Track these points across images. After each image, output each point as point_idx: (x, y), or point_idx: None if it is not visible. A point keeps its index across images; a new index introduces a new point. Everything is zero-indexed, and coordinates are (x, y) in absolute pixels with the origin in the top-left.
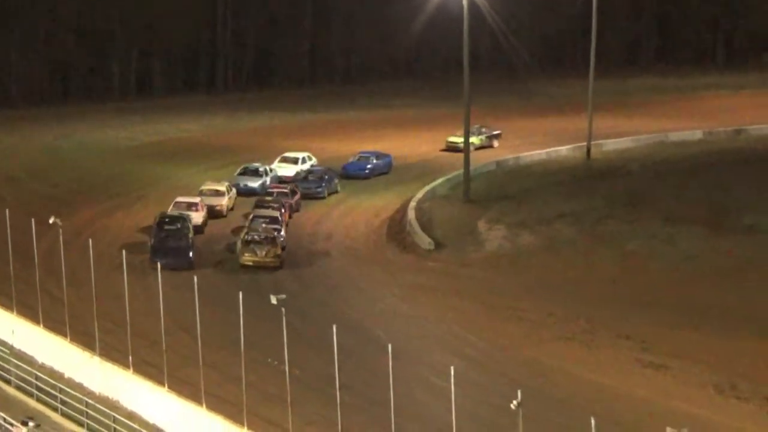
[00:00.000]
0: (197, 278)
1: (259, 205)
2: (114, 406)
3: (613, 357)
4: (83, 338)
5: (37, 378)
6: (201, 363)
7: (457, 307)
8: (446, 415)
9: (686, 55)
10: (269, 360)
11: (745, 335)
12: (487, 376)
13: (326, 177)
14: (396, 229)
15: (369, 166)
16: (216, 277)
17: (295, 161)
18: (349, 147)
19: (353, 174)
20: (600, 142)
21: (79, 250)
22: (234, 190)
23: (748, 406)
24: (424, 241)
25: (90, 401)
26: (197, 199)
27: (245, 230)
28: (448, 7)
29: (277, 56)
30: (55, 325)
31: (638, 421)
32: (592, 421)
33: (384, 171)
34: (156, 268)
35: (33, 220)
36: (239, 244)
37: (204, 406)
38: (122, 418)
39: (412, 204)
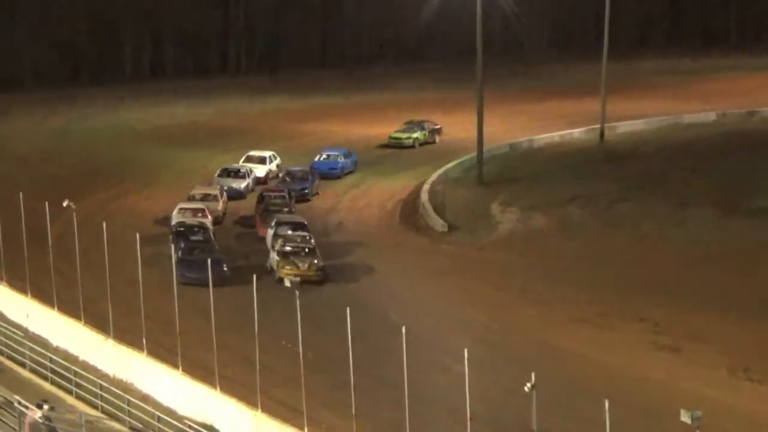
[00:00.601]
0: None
1: (269, 210)
2: (128, 388)
3: (627, 339)
4: (97, 321)
5: (51, 361)
6: (215, 346)
7: (471, 289)
8: (459, 397)
9: (698, 37)
10: (282, 342)
11: (759, 318)
12: (500, 359)
13: (309, 178)
14: (409, 211)
15: (339, 164)
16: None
17: (262, 160)
18: (358, 130)
19: (325, 173)
20: (613, 124)
21: (93, 233)
22: (225, 194)
23: (762, 388)
24: (438, 224)
25: (104, 384)
26: (201, 205)
27: (279, 240)
28: None
29: (288, 39)
30: (69, 308)
31: (651, 403)
32: (606, 404)
33: (351, 170)
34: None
35: (47, 203)
36: (274, 256)
37: (218, 388)
38: (136, 401)
39: (425, 187)
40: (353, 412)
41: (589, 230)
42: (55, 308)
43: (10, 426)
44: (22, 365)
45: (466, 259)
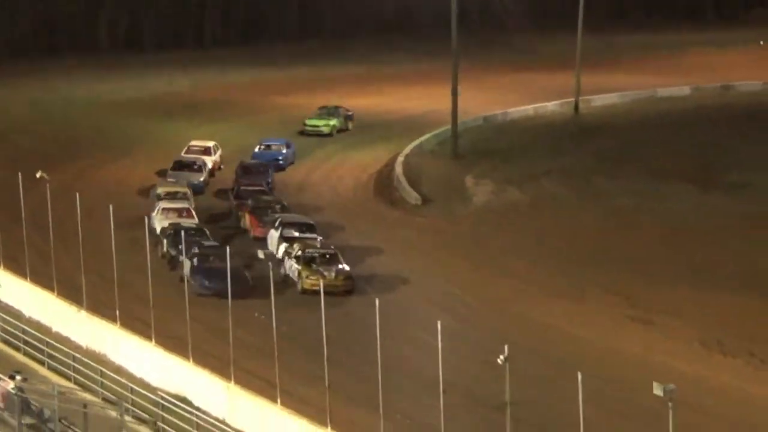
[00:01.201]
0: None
1: (259, 207)
2: (101, 360)
3: (600, 313)
4: (71, 293)
5: (24, 332)
6: (188, 317)
7: (446, 262)
8: (433, 370)
9: (675, 11)
10: (256, 314)
11: (732, 291)
12: (474, 332)
13: (268, 171)
14: (383, 184)
15: (282, 155)
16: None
17: (207, 151)
18: (337, 103)
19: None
20: (588, 97)
21: (67, 204)
22: (190, 191)
23: (734, 361)
24: (412, 197)
25: (77, 355)
26: (185, 204)
27: (296, 245)
28: None
29: (266, 10)
30: (42, 280)
31: (624, 376)
32: (579, 376)
33: (292, 161)
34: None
35: (20, 174)
36: (293, 264)
37: (191, 360)
38: (109, 372)
39: (400, 159)
40: (326, 384)
41: (563, 204)
42: (28, 279)
43: None
44: None
45: (441, 233)
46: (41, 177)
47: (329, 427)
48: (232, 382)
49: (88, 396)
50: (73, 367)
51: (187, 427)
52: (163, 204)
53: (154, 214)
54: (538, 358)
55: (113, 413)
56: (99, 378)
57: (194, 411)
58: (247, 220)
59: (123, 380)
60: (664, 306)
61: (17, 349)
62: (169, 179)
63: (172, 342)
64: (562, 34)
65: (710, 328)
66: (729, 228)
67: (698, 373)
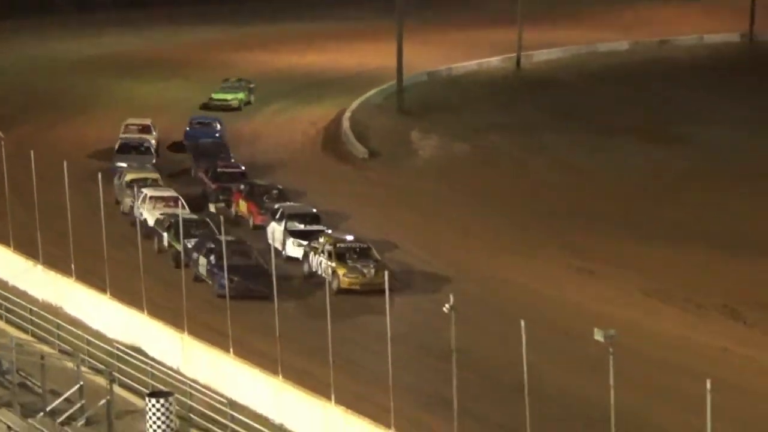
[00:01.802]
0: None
1: (254, 193)
2: (57, 312)
3: (548, 264)
4: (27, 249)
5: None
6: (142, 271)
7: (396, 216)
8: (382, 320)
9: None
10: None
11: (674, 243)
12: (423, 284)
13: (228, 150)
14: (332, 139)
15: (218, 131)
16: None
17: (146, 129)
18: (286, 60)
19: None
20: (530, 53)
21: (22, 163)
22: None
23: (672, 308)
24: (359, 151)
25: (34, 308)
26: (171, 192)
27: (323, 240)
28: None
29: None
30: None
31: (568, 323)
32: (522, 324)
33: (223, 135)
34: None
35: None
36: (322, 261)
37: (145, 312)
38: (65, 325)
39: (347, 114)
40: (277, 334)
41: (508, 158)
42: None
43: None
44: None
45: (390, 186)
46: None
47: (280, 375)
48: (186, 332)
49: (45, 348)
50: (30, 320)
51: (142, 376)
52: (149, 192)
53: (138, 203)
54: (483, 307)
55: (70, 364)
56: (55, 330)
57: (149, 361)
58: (243, 208)
59: (79, 332)
60: (608, 257)
61: None
62: (118, 163)
63: (127, 296)
64: None
65: (651, 278)
66: (673, 180)
67: (638, 320)
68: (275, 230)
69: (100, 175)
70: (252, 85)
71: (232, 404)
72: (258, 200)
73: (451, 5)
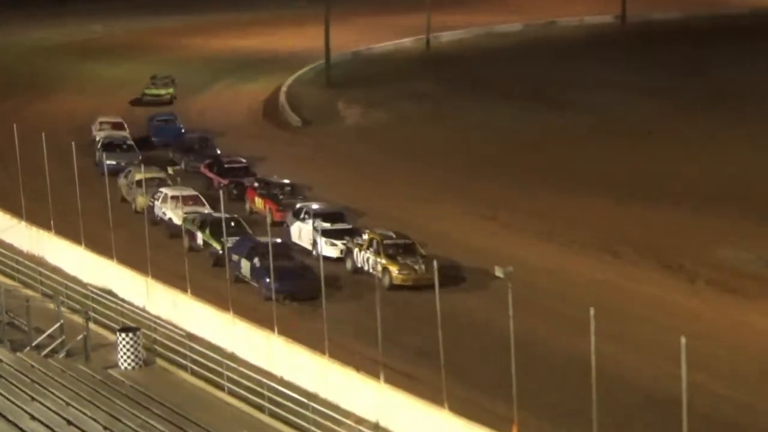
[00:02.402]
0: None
1: (269, 190)
2: (40, 262)
3: (455, 211)
4: (12, 209)
5: None
6: (111, 224)
7: (332, 174)
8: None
9: None
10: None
11: (565, 192)
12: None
13: (213, 143)
14: (271, 110)
15: (181, 127)
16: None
17: (119, 126)
18: (231, 44)
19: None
20: (437, 34)
21: (4, 133)
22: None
23: (560, 248)
24: (294, 120)
25: (20, 259)
26: (191, 190)
27: (367, 237)
28: None
29: None
30: None
31: (472, 263)
32: (435, 264)
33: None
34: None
35: None
36: (370, 257)
37: (114, 259)
38: (47, 272)
39: (283, 89)
40: (227, 276)
41: (423, 121)
42: None
43: None
44: None
45: (323, 148)
46: None
47: (231, 311)
48: (150, 277)
49: (29, 292)
50: (16, 268)
51: (113, 314)
52: (169, 192)
53: (159, 203)
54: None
55: (51, 305)
56: (38, 277)
57: (119, 302)
58: (260, 204)
59: (59, 278)
60: (509, 205)
61: None
62: (108, 161)
63: (100, 246)
64: None
65: (545, 222)
66: (564, 138)
67: (532, 259)
68: (302, 230)
69: (73, 144)
70: (175, 81)
71: (191, 337)
72: (275, 198)
73: None
